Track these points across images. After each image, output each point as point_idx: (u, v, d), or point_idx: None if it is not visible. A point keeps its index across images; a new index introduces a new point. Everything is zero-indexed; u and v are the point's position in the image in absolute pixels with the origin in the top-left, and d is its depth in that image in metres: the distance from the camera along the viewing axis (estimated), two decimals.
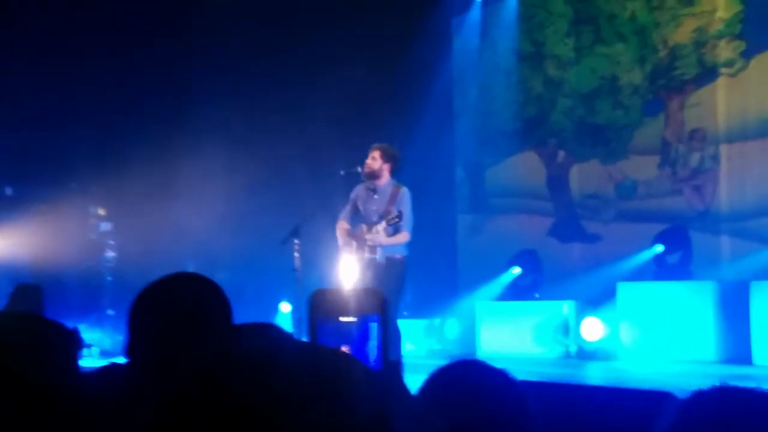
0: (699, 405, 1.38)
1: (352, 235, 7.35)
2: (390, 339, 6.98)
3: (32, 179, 11.88)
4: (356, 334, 2.15)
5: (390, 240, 7.13)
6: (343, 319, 2.09)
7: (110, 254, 12.11)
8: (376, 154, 7.33)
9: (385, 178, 7.32)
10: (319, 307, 2.27)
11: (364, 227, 7.23)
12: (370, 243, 7.06)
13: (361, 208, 7.39)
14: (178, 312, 1.98)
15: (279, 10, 12.31)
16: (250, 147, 11.73)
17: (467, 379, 1.68)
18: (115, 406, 1.89)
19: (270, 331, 2.17)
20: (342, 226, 7.45)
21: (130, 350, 1.99)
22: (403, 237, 7.18)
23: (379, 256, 7.10)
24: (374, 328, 2.05)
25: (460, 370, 1.71)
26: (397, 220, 7.00)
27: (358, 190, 7.48)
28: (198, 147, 11.98)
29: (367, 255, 7.11)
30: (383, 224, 7.05)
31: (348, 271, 7.37)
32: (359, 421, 0.84)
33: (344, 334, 2.20)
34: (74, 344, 2.13)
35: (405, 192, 7.27)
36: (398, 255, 7.20)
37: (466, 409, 1.63)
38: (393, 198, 7.22)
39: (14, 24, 11.48)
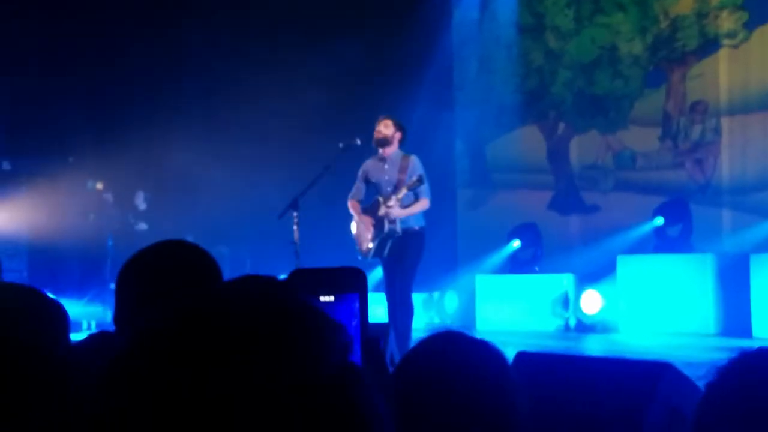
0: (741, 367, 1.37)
1: (366, 210, 7.32)
2: (403, 312, 6.98)
3: (30, 153, 11.83)
4: (337, 312, 2.13)
5: (409, 210, 7.10)
6: (322, 298, 2.07)
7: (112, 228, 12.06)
8: (389, 122, 7.32)
9: (394, 147, 7.31)
10: (297, 286, 2.24)
11: (380, 199, 7.19)
12: (391, 215, 7.02)
13: (373, 180, 7.35)
14: (162, 278, 1.95)
15: None
16: (248, 120, 11.68)
17: (447, 351, 1.67)
18: (99, 377, 1.86)
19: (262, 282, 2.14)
20: (354, 204, 7.42)
21: (117, 318, 1.98)
22: (423, 204, 7.15)
23: (398, 226, 7.06)
24: (355, 306, 2.03)
25: (439, 341, 1.71)
26: (418, 183, 6.98)
27: (367, 165, 7.44)
28: (195, 120, 11.93)
29: (387, 226, 7.07)
30: (403, 191, 7.01)
31: (363, 239, 7.32)
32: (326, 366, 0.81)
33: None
34: (63, 315, 2.10)
35: (415, 159, 7.25)
36: (416, 226, 7.16)
37: (446, 380, 1.62)
38: (404, 167, 7.20)
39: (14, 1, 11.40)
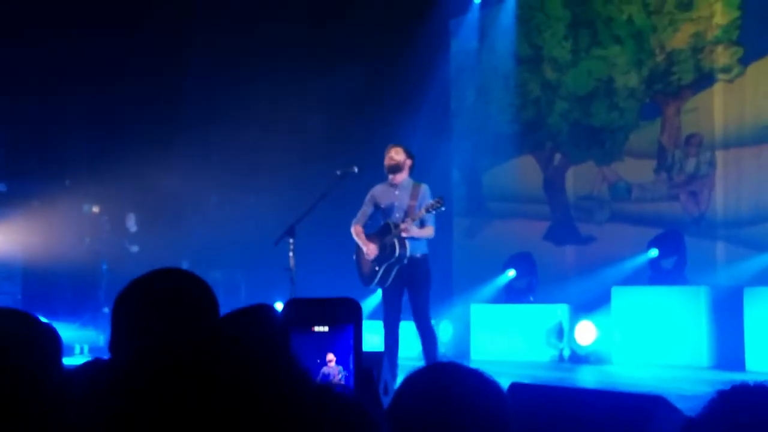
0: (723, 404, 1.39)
1: (372, 236, 7.34)
2: (428, 341, 7.03)
3: (26, 176, 11.84)
4: (331, 343, 2.13)
5: (421, 232, 7.16)
6: (317, 328, 2.07)
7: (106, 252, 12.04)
8: (399, 149, 7.43)
9: (405, 174, 7.38)
10: (292, 316, 2.24)
11: (391, 224, 7.23)
12: (404, 234, 7.04)
13: (383, 205, 7.40)
14: (157, 307, 1.96)
15: (276, 10, 12.30)
16: (245, 146, 11.71)
17: (442, 382, 1.67)
18: (97, 401, 1.86)
19: (259, 316, 2.14)
20: (358, 230, 7.46)
21: (112, 346, 1.98)
22: (430, 230, 7.26)
23: (408, 251, 7.07)
24: (349, 337, 2.03)
25: (434, 373, 1.71)
26: (438, 205, 7.02)
27: (377, 190, 7.49)
28: (193, 145, 11.95)
29: (398, 251, 7.09)
30: (422, 212, 7.06)
31: (366, 266, 7.34)
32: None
33: (319, 344, 2.17)
34: (56, 340, 2.10)
35: (426, 188, 7.37)
36: (419, 253, 7.22)
37: (442, 411, 1.62)
38: (416, 195, 7.25)
39: (9, 22, 11.45)
